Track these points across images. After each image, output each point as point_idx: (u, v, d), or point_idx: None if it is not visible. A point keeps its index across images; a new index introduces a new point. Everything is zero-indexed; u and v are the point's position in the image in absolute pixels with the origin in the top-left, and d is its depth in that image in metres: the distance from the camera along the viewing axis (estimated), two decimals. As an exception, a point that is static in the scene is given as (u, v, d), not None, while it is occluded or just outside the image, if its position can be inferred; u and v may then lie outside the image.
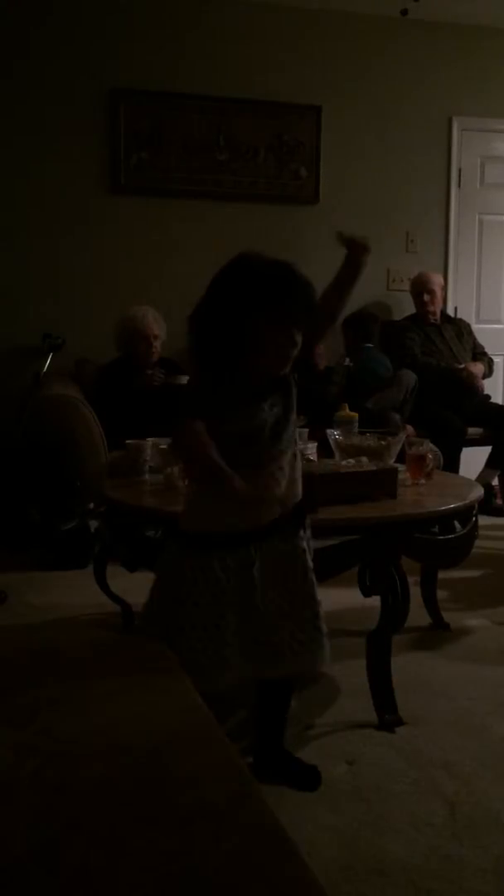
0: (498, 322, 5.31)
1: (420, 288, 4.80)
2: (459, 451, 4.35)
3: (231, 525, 1.73)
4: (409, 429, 3.92)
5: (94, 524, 3.59)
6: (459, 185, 5.15)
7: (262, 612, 1.75)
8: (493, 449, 4.59)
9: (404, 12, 3.65)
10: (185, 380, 4.01)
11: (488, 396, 4.82)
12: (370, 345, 4.62)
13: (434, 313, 4.80)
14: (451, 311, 5.08)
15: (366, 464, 2.43)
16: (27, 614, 3.04)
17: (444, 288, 5.01)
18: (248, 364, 1.70)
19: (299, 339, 1.69)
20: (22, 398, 4.08)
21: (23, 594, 3.23)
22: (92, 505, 3.60)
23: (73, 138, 4.51)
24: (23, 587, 3.31)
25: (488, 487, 4.46)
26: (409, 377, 4.41)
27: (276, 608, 1.76)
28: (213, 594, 1.72)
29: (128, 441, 2.73)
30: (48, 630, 2.56)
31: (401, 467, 2.54)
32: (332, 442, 2.58)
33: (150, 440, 2.70)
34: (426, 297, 4.78)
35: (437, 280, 4.85)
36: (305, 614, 1.79)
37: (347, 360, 4.54)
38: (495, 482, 4.62)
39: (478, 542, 2.54)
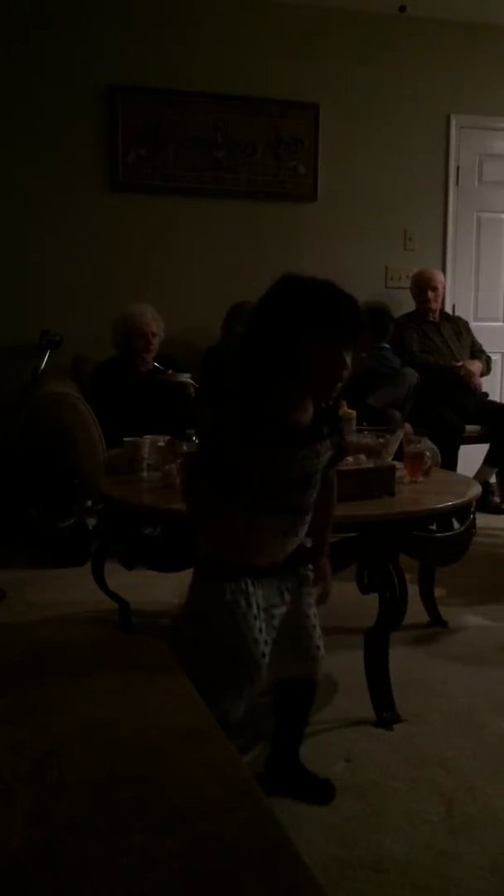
0: (496, 320, 5.31)
1: (423, 285, 4.80)
2: (457, 448, 4.36)
3: (256, 560, 1.73)
4: (408, 426, 3.92)
5: (91, 522, 3.59)
6: (458, 183, 5.15)
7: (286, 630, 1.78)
8: (490, 446, 4.59)
9: (402, 9, 3.66)
10: (184, 377, 4.02)
11: (486, 394, 4.82)
12: (387, 345, 4.53)
13: (434, 311, 4.80)
14: (448, 309, 5.08)
15: (364, 461, 2.43)
16: (25, 612, 3.04)
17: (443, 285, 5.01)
18: (296, 393, 1.67)
19: (349, 360, 1.65)
20: (20, 396, 4.08)
21: (21, 592, 3.23)
22: (90, 502, 3.60)
23: (71, 135, 4.50)
24: (21, 585, 3.31)
25: (486, 485, 4.47)
26: (412, 375, 4.40)
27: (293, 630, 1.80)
28: (252, 617, 1.72)
29: (125, 439, 2.73)
30: (46, 628, 2.57)
31: (399, 465, 2.55)
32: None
33: (147, 438, 2.70)
34: (430, 295, 4.77)
35: (439, 278, 4.85)
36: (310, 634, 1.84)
37: (364, 355, 4.47)
38: (493, 480, 4.63)
39: (475, 540, 2.54)
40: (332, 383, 1.67)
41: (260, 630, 1.71)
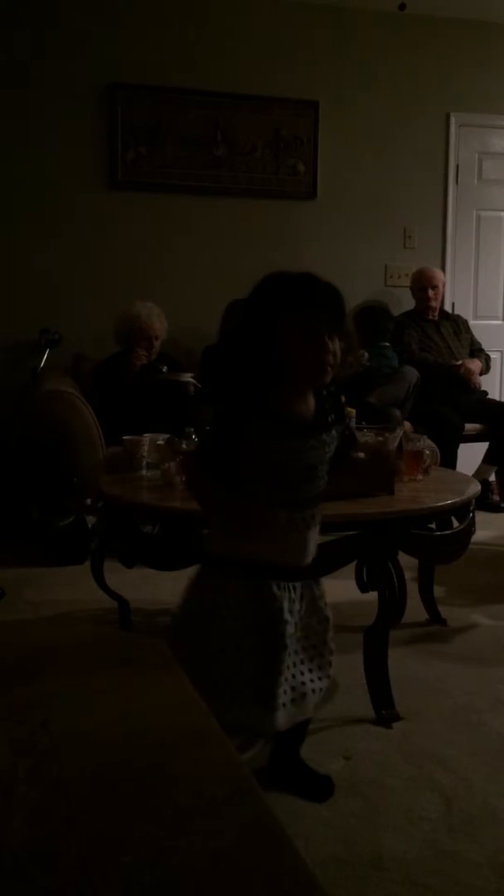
0: (495, 318, 5.32)
1: (424, 283, 4.80)
2: (457, 447, 4.36)
3: (271, 559, 1.69)
4: (407, 425, 3.92)
5: (91, 520, 3.59)
6: (457, 181, 5.15)
7: (292, 651, 1.72)
8: (490, 445, 4.60)
9: (402, 7, 3.65)
10: (186, 377, 4.02)
11: (486, 392, 4.83)
12: (386, 343, 4.54)
13: (434, 309, 4.81)
14: (448, 308, 5.08)
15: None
16: (25, 610, 3.04)
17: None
18: (289, 385, 1.66)
19: (335, 346, 1.64)
20: (19, 394, 4.08)
21: (20, 590, 3.24)
22: (89, 501, 3.60)
23: (70, 133, 4.50)
24: (20, 583, 3.31)
25: (485, 483, 4.47)
26: (412, 374, 4.41)
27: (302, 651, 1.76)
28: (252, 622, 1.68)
29: (125, 437, 2.73)
30: (45, 626, 2.57)
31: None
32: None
33: (147, 436, 2.70)
34: (431, 293, 4.77)
35: (440, 276, 4.86)
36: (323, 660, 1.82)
37: (365, 354, 4.47)
38: (492, 478, 4.63)
39: (474, 538, 2.54)
40: (321, 370, 1.64)
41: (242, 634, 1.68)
